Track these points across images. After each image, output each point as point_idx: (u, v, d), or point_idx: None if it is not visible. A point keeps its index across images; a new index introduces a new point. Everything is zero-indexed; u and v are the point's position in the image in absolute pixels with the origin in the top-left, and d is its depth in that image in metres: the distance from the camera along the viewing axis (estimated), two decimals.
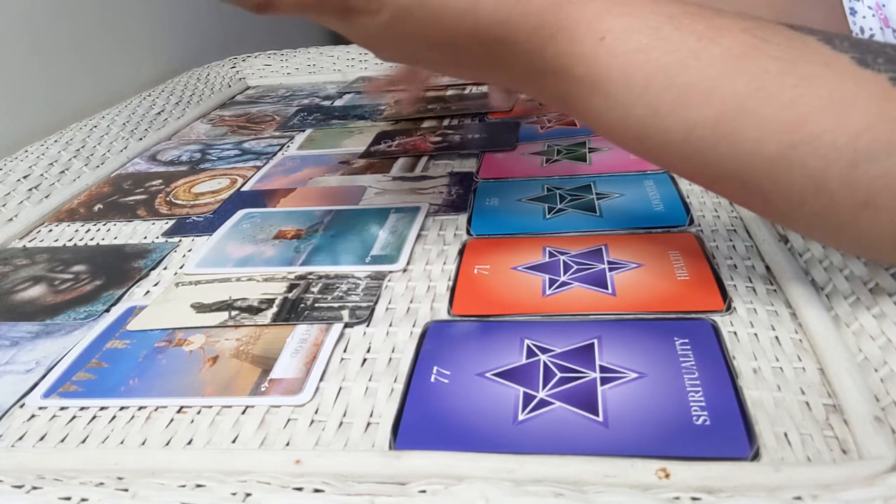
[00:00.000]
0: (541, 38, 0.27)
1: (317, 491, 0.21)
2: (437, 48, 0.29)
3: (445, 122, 0.62)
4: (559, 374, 0.28)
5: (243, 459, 0.24)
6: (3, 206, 0.49)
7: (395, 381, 0.29)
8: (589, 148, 0.51)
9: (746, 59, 0.25)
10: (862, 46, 0.25)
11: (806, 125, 0.23)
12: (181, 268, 0.40)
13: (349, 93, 0.76)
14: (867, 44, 0.25)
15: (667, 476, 0.21)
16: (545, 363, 0.28)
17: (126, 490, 0.22)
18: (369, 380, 0.29)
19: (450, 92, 0.72)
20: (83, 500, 0.21)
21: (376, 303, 0.34)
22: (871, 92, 0.23)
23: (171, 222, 0.47)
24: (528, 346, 0.30)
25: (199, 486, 0.22)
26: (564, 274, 0.35)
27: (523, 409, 0.26)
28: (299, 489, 0.22)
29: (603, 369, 0.28)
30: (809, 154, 0.23)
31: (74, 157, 0.58)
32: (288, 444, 0.26)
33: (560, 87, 0.28)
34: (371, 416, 0.27)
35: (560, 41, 0.27)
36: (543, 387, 0.27)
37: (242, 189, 0.51)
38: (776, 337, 0.29)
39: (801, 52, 0.24)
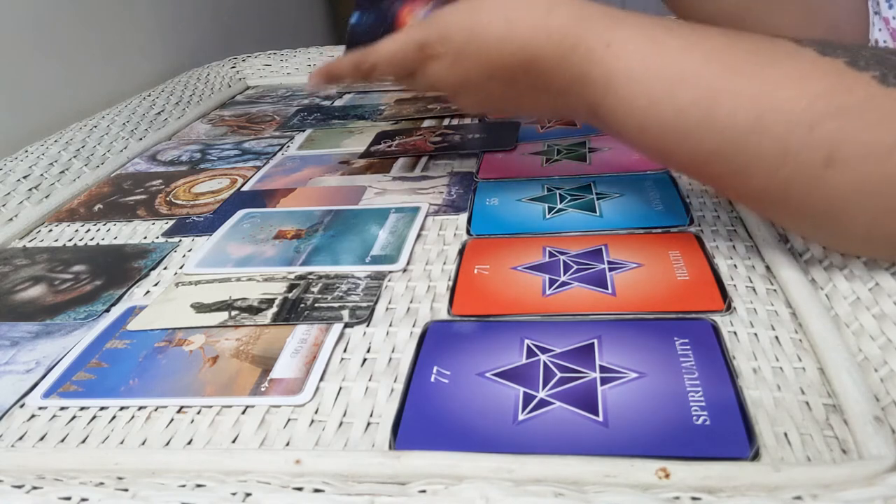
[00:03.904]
0: (564, 51, 0.32)
1: (317, 491, 0.21)
2: (495, 77, 0.35)
3: (445, 122, 0.62)
4: (559, 374, 0.28)
5: (243, 459, 0.24)
6: (3, 206, 0.49)
7: (395, 381, 0.29)
8: (589, 148, 0.51)
9: (724, 51, 0.29)
10: (825, 43, 0.28)
11: (770, 96, 0.27)
12: (181, 268, 0.40)
13: (349, 93, 0.76)
14: (831, 42, 0.28)
15: (667, 476, 0.21)
16: (545, 363, 0.28)
17: (126, 490, 0.22)
18: (369, 380, 0.29)
19: None
20: (83, 500, 0.21)
21: (376, 303, 0.34)
22: (828, 69, 0.27)
23: (171, 222, 0.47)
24: (528, 346, 0.30)
25: (199, 486, 0.22)
26: (564, 274, 0.35)
27: (523, 409, 0.26)
28: (299, 489, 0.22)
29: (603, 369, 0.28)
30: (774, 121, 0.27)
31: (74, 157, 0.58)
32: (288, 444, 0.26)
33: (585, 94, 0.33)
34: (371, 416, 0.27)
35: (579, 51, 0.32)
36: (543, 387, 0.27)
37: (242, 189, 0.51)
38: (776, 337, 0.29)
39: (770, 45, 0.29)
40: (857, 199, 0.26)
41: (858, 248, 0.30)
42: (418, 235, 0.40)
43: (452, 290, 0.34)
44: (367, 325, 0.33)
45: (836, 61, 0.27)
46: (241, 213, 0.46)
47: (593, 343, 0.29)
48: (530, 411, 0.26)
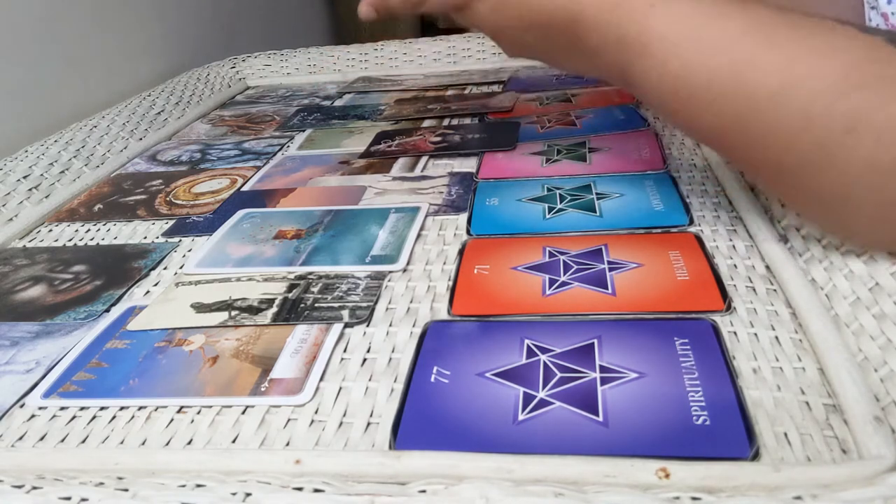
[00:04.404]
0: (604, 9, 0.33)
1: (317, 491, 0.21)
2: (531, 30, 0.37)
3: (445, 122, 0.62)
4: (559, 374, 0.28)
5: (243, 459, 0.24)
6: (3, 206, 0.49)
7: (395, 381, 0.29)
8: (589, 148, 0.51)
9: (764, 22, 0.30)
10: (865, 26, 0.29)
11: (802, 65, 0.28)
12: (181, 268, 0.40)
13: (349, 93, 0.76)
14: (871, 27, 0.29)
15: (667, 476, 0.21)
16: (545, 363, 0.28)
17: (126, 490, 0.22)
18: (369, 380, 0.29)
19: (450, 92, 0.72)
20: (83, 500, 0.21)
21: (376, 303, 0.34)
22: (864, 43, 0.27)
23: (171, 222, 0.47)
24: (528, 346, 0.30)
25: (199, 486, 0.22)
26: (564, 274, 0.35)
27: (523, 409, 0.26)
28: (299, 489, 0.22)
29: (603, 369, 0.28)
30: (802, 89, 0.27)
31: (74, 157, 0.58)
32: (288, 444, 0.26)
33: (620, 55, 0.33)
34: (371, 416, 0.27)
35: (620, 11, 0.33)
36: (543, 387, 0.27)
37: (242, 189, 0.51)
38: (776, 337, 0.29)
39: (810, 21, 0.29)
40: (871, 175, 0.26)
41: (862, 233, 0.30)
42: (418, 235, 0.40)
43: (452, 290, 0.34)
44: (367, 325, 0.33)
45: (875, 38, 0.28)
46: (241, 213, 0.46)
47: (593, 343, 0.29)
48: (530, 411, 0.26)
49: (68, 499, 0.21)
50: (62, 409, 0.29)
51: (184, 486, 0.22)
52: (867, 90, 0.26)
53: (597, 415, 0.25)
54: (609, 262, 0.35)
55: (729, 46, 0.30)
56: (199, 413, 0.28)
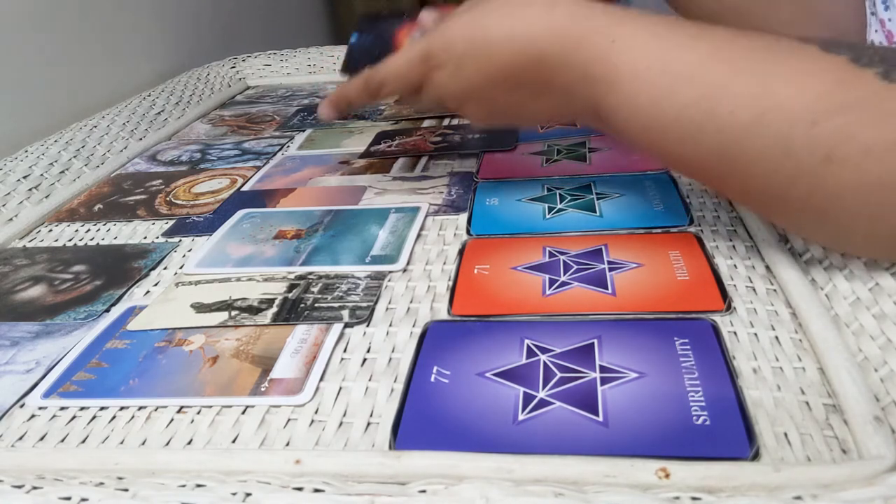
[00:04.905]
0: (568, 48, 0.32)
1: (317, 491, 0.21)
2: (498, 83, 0.35)
3: (445, 122, 0.62)
4: (559, 374, 0.28)
5: (243, 459, 0.24)
6: (3, 206, 0.49)
7: (395, 381, 0.29)
8: (589, 148, 0.51)
9: (726, 49, 0.29)
10: (828, 41, 0.28)
11: (772, 94, 0.27)
12: (181, 268, 0.40)
13: None
14: (834, 40, 0.28)
15: (667, 476, 0.21)
16: (545, 363, 0.28)
17: (126, 490, 0.22)
18: (369, 380, 0.29)
19: None
20: (83, 500, 0.21)
21: (376, 303, 0.34)
22: (830, 66, 0.27)
23: (171, 222, 0.47)
24: (528, 346, 0.30)
25: (199, 486, 0.22)
26: (564, 274, 0.35)
27: (523, 409, 0.26)
28: (299, 489, 0.22)
29: (603, 369, 0.28)
30: (776, 119, 0.27)
31: (74, 157, 0.58)
32: (288, 444, 0.26)
33: (589, 92, 0.33)
34: (371, 416, 0.27)
35: (582, 48, 0.32)
36: (543, 387, 0.27)
37: (242, 189, 0.51)
38: (776, 337, 0.29)
39: (773, 43, 0.29)
40: (858, 197, 0.26)
41: (860, 248, 0.30)
42: (418, 235, 0.40)
43: (452, 290, 0.34)
44: (367, 325, 0.33)
45: (838, 58, 0.27)
46: (241, 213, 0.46)
47: (593, 343, 0.29)
48: (530, 411, 0.26)
49: (68, 499, 0.21)
50: (62, 409, 0.29)
51: (184, 486, 0.22)
52: (839, 117, 0.26)
53: (597, 415, 0.25)
54: (609, 262, 0.35)
55: (694, 78, 0.29)
56: (199, 413, 0.28)
